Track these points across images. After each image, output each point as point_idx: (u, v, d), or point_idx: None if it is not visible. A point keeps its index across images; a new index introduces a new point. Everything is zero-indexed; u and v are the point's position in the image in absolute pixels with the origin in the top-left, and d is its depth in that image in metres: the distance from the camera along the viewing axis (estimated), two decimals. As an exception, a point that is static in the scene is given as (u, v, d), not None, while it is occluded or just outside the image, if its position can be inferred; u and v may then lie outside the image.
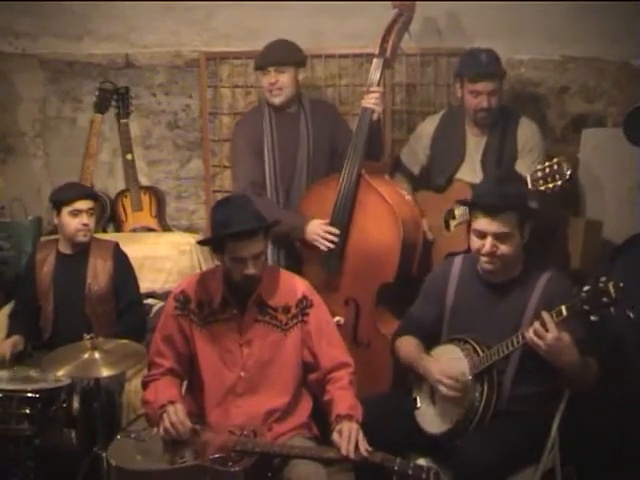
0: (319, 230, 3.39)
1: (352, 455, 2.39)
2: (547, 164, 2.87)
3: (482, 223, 2.64)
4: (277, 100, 3.58)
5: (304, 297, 2.71)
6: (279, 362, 2.68)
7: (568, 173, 2.82)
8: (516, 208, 2.63)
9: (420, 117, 3.93)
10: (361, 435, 2.44)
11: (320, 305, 2.75)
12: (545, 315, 2.43)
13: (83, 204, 3.33)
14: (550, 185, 2.86)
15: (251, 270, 2.59)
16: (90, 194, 3.43)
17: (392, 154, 3.99)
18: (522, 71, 3.93)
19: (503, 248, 2.62)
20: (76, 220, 3.33)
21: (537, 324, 2.43)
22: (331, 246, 3.38)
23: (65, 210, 3.33)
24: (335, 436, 2.47)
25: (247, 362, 2.67)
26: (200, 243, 2.89)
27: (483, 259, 2.67)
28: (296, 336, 2.69)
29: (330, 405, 2.61)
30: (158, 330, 2.78)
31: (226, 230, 2.59)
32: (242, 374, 2.66)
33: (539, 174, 2.87)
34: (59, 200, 3.36)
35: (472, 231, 2.69)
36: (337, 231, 3.36)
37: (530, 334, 2.44)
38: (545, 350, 2.43)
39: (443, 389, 2.58)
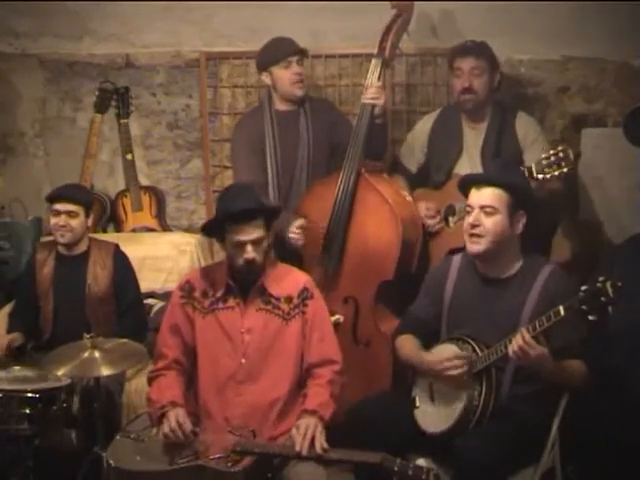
0: (294, 230, 3.44)
1: (305, 451, 2.43)
2: (552, 152, 2.91)
3: (472, 196, 2.69)
4: (301, 92, 3.58)
5: (305, 288, 2.75)
6: (280, 350, 2.69)
7: (572, 159, 2.88)
8: (506, 187, 2.64)
9: (420, 117, 3.92)
10: (319, 432, 2.47)
11: (319, 299, 2.78)
12: (524, 333, 2.44)
13: (61, 206, 3.35)
14: (556, 173, 2.89)
15: (251, 254, 2.63)
16: (69, 197, 3.38)
17: (392, 154, 3.99)
18: (522, 71, 3.93)
19: (486, 223, 2.63)
20: (54, 220, 3.37)
21: (520, 341, 2.43)
22: (299, 240, 3.43)
23: (50, 209, 3.40)
24: (293, 431, 2.51)
25: (248, 349, 2.68)
26: (203, 230, 2.89)
27: (468, 238, 2.68)
28: (297, 326, 2.71)
29: (303, 400, 2.65)
30: (165, 320, 2.81)
31: (223, 213, 2.66)
32: (243, 361, 2.67)
33: (544, 162, 2.91)
34: (47, 199, 3.43)
35: (465, 210, 2.74)
36: (298, 228, 3.41)
37: (514, 348, 2.45)
38: (526, 364, 2.49)
39: (450, 372, 2.58)
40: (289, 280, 2.77)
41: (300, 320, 2.71)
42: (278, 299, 2.72)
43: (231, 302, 2.72)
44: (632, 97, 3.69)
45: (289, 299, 2.72)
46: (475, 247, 2.67)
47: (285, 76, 3.55)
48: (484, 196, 2.65)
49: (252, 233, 2.63)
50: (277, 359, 2.69)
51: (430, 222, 3.41)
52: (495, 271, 2.71)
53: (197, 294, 2.76)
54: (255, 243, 2.63)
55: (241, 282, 2.72)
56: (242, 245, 2.63)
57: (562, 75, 3.91)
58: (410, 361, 2.78)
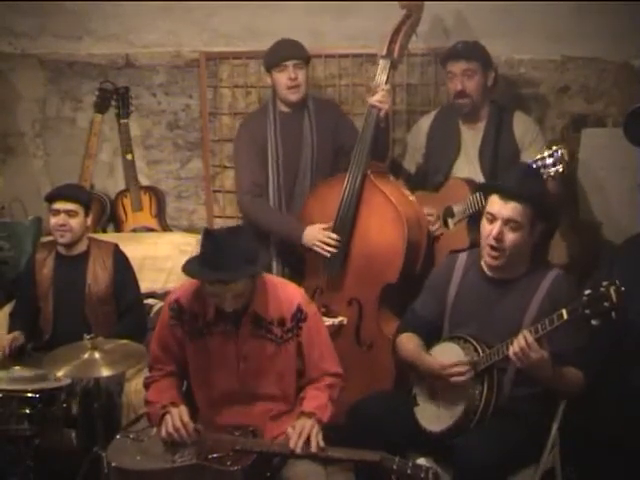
0: (319, 236, 3.38)
1: (299, 449, 2.43)
2: (547, 153, 2.89)
3: (496, 205, 2.62)
4: (295, 97, 3.55)
5: (299, 310, 2.66)
6: (275, 373, 2.66)
7: (566, 159, 2.86)
8: (533, 202, 2.61)
9: (420, 117, 3.93)
10: (315, 432, 2.47)
11: (314, 316, 2.71)
12: (527, 335, 2.43)
13: (60, 205, 3.34)
14: (551, 173, 2.87)
15: (227, 307, 2.54)
16: (69, 195, 3.37)
17: (392, 154, 3.99)
18: (522, 71, 3.93)
19: (510, 238, 2.60)
20: (54, 220, 3.36)
21: (522, 342, 2.43)
22: (333, 251, 3.36)
23: (49, 209, 3.38)
24: (289, 430, 2.50)
25: (243, 376, 2.64)
26: (184, 270, 2.67)
27: (488, 251, 2.65)
28: (291, 348, 2.66)
29: (300, 402, 2.64)
30: (155, 338, 2.77)
31: (201, 272, 2.53)
32: (237, 387, 2.65)
33: (539, 163, 2.89)
34: (46, 199, 3.41)
35: (484, 216, 2.68)
36: (337, 237, 3.35)
37: (515, 349, 2.44)
38: (525, 367, 2.46)
39: (452, 379, 2.56)
40: (281, 300, 2.65)
41: (294, 342, 2.66)
42: (271, 323, 2.63)
43: (222, 327, 2.63)
44: (632, 97, 3.69)
45: (282, 322, 2.64)
46: (495, 262, 2.65)
47: (281, 80, 3.53)
48: (511, 210, 2.59)
49: (231, 290, 2.49)
50: (272, 382, 2.66)
51: (430, 228, 3.40)
52: (502, 273, 2.70)
53: (187, 316, 2.67)
54: (234, 296, 2.52)
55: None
56: (220, 297, 2.52)
57: (562, 75, 3.91)
58: (411, 362, 2.77)
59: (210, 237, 2.57)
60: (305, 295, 2.77)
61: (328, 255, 3.37)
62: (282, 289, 2.71)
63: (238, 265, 2.48)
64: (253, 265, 2.54)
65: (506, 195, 2.61)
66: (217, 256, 2.48)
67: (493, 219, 2.63)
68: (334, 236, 3.36)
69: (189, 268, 2.59)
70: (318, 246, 3.38)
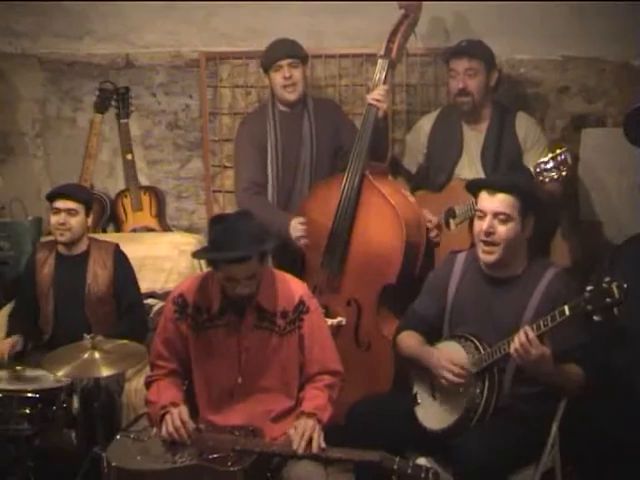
0: (296, 229, 3.44)
1: (301, 450, 2.43)
2: (551, 156, 2.90)
3: (483, 200, 2.65)
4: (292, 96, 3.56)
5: (301, 302, 2.69)
6: (277, 366, 2.67)
7: (571, 163, 2.88)
8: (518, 192, 2.62)
9: (420, 117, 3.93)
10: (317, 433, 2.47)
11: (316, 310, 2.74)
12: (528, 331, 2.43)
13: (61, 203, 3.35)
14: (555, 176, 2.88)
15: (244, 290, 2.57)
16: (70, 194, 3.38)
17: (392, 154, 3.98)
18: (522, 71, 3.93)
19: (501, 231, 2.61)
20: (54, 218, 3.36)
21: (523, 338, 2.43)
22: (302, 237, 3.42)
23: (50, 207, 3.39)
24: (290, 431, 2.50)
25: (246, 368, 2.65)
26: (194, 257, 2.84)
27: (481, 247, 2.66)
28: (293, 341, 2.68)
29: (300, 402, 2.64)
30: (158, 334, 2.78)
31: (215, 254, 2.58)
32: (239, 380, 2.65)
33: (543, 166, 2.90)
34: (47, 198, 3.42)
35: (476, 215, 2.70)
36: (300, 219, 3.43)
37: (516, 345, 2.43)
38: (526, 363, 2.46)
39: (448, 375, 2.57)
40: (284, 293, 2.69)
41: (296, 335, 2.68)
42: (274, 314, 2.66)
43: (226, 320, 2.66)
44: (632, 97, 3.69)
45: (285, 314, 2.67)
46: (489, 257, 2.66)
47: (276, 79, 3.55)
48: (498, 202, 2.61)
49: (245, 271, 2.54)
50: (274, 375, 2.67)
51: (429, 235, 3.39)
52: (500, 271, 2.70)
53: (190, 310, 2.69)
54: (249, 278, 2.56)
55: (235, 300, 2.64)
56: (235, 281, 2.56)
57: (562, 75, 3.91)
58: (414, 355, 2.77)
59: (219, 221, 2.63)
60: (308, 289, 2.79)
61: (304, 243, 3.42)
62: (286, 282, 2.74)
63: (249, 244, 2.53)
64: (262, 244, 2.59)
65: (492, 188, 2.64)
66: (227, 238, 2.53)
67: (483, 215, 2.65)
68: (298, 227, 3.43)
69: (202, 253, 2.68)
70: (298, 240, 3.44)
